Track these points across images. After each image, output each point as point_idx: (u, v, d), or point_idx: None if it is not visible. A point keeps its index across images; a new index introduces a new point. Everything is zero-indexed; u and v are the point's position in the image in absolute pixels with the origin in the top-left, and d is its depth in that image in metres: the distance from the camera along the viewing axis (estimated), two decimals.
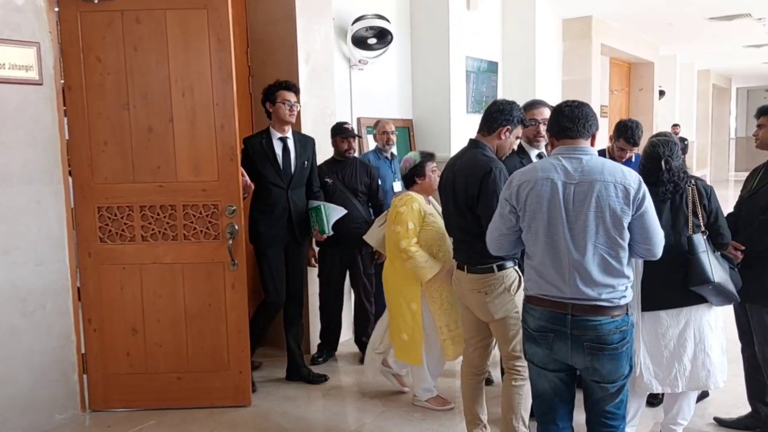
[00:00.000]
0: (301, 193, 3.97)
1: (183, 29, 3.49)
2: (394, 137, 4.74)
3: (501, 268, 2.78)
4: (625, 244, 2.20)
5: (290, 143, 3.89)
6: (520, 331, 2.71)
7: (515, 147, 2.96)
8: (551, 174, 2.21)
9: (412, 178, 3.45)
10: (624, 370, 2.24)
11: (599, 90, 9.63)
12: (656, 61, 11.67)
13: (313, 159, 4.07)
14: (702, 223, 2.76)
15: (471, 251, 2.80)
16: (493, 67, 7.13)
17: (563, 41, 8.95)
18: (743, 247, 2.95)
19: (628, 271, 2.23)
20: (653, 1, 8.21)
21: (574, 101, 2.35)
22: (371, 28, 5.10)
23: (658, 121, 12.04)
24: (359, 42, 5.13)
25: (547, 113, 4.26)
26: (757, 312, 2.98)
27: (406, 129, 6.04)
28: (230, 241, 3.57)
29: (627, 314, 2.24)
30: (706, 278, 2.64)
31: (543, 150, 3.30)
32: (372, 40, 5.15)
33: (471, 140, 2.89)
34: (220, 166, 3.57)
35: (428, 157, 3.47)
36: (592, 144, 2.32)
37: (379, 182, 4.46)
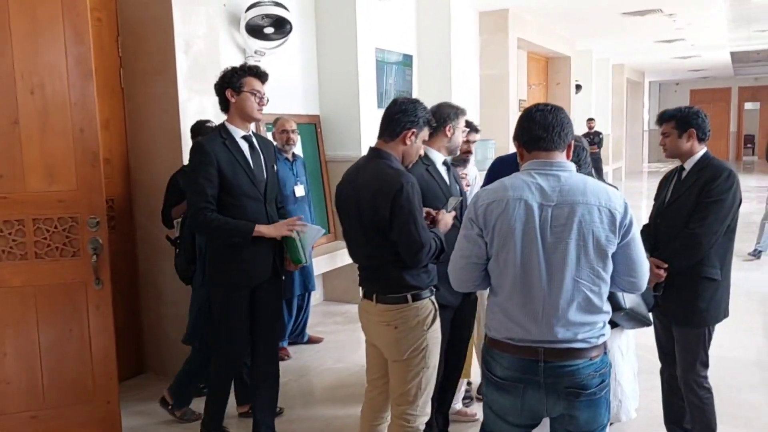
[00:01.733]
0: (274, 209, 3.09)
1: (29, 17, 2.95)
2: (295, 136, 4.30)
3: (416, 298, 2.41)
4: (608, 277, 1.89)
5: (255, 143, 3.02)
6: (422, 373, 2.41)
7: (421, 152, 2.57)
8: (525, 194, 1.87)
9: None
10: (603, 419, 1.92)
11: (517, 84, 9.51)
12: (573, 55, 11.70)
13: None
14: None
15: (382, 279, 2.42)
16: (407, 60, 6.80)
17: (480, 35, 8.74)
18: (666, 265, 2.69)
19: (607, 306, 1.93)
20: None
21: (546, 105, 1.98)
22: (267, 16, 4.64)
23: (575, 115, 12.11)
24: (255, 31, 4.66)
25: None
26: (682, 335, 2.75)
27: (313, 125, 5.61)
28: (94, 258, 3.07)
29: (605, 353, 1.93)
30: (617, 304, 2.37)
31: (448, 158, 2.94)
32: (269, 30, 4.69)
33: (372, 149, 2.47)
34: (79, 174, 3.06)
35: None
36: (568, 156, 1.97)
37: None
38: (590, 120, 12.67)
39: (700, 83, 22.91)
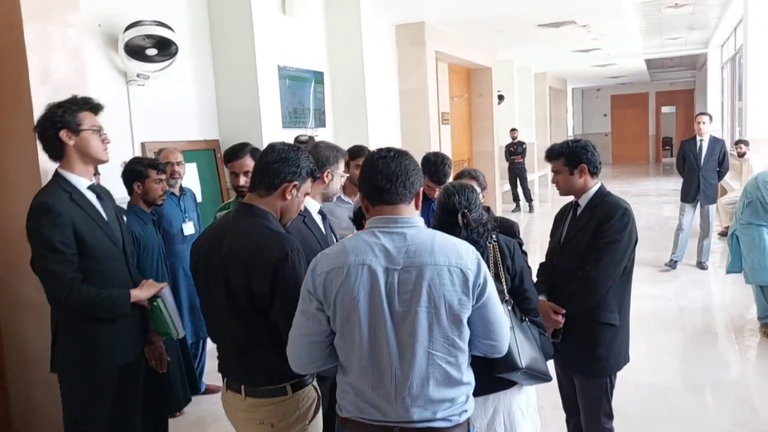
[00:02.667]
0: (135, 268, 2.68)
1: None
2: (180, 168, 3.93)
3: (297, 387, 2.03)
4: (466, 345, 1.69)
5: (100, 192, 2.53)
6: None
7: (302, 207, 2.19)
8: (368, 257, 1.66)
9: (359, 219, 2.72)
10: None
11: (437, 97, 9.37)
12: (494, 66, 11.70)
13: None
14: (506, 289, 2.27)
15: (254, 367, 2.00)
16: (318, 77, 6.51)
17: (397, 48, 8.55)
18: (563, 310, 2.49)
19: (468, 376, 1.73)
20: (482, 9, 8.02)
21: (390, 150, 1.77)
22: (149, 36, 4.26)
23: (498, 126, 12.12)
24: (135, 53, 4.27)
25: None
26: (583, 385, 2.56)
27: (212, 151, 5.25)
28: None
29: (469, 431, 1.75)
30: (513, 364, 2.15)
31: (323, 205, 2.65)
32: (151, 51, 4.31)
33: (243, 205, 2.05)
34: None
35: None
36: (417, 205, 1.77)
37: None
38: (513, 130, 12.72)
39: (619, 89, 23.61)
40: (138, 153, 4.45)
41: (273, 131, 5.30)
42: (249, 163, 3.18)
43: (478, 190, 2.82)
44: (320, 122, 6.54)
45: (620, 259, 2.48)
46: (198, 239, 2.20)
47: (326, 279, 1.67)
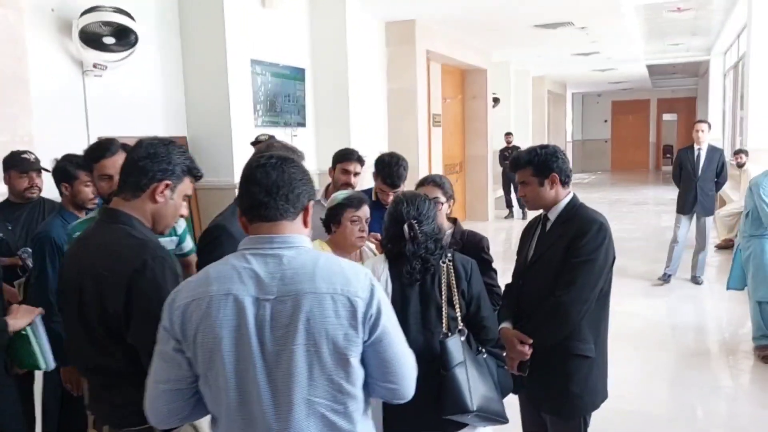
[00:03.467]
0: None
1: None
2: None
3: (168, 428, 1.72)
4: (357, 390, 1.40)
5: None
6: None
7: (184, 212, 1.84)
8: (234, 286, 1.37)
9: (327, 223, 2.54)
10: None
11: (427, 98, 9.08)
12: (489, 67, 11.41)
13: None
14: (460, 316, 1.97)
15: (115, 402, 1.72)
16: (298, 74, 6.21)
17: (387, 47, 8.26)
18: (531, 340, 2.18)
19: (365, 427, 1.44)
20: (476, 7, 7.74)
21: (271, 157, 1.48)
22: (106, 23, 3.96)
23: (492, 130, 11.83)
24: (92, 41, 3.96)
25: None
26: (554, 424, 2.26)
27: None
28: None
29: None
30: (463, 406, 1.85)
31: None
32: (109, 39, 4.00)
33: (105, 210, 1.80)
34: None
35: (353, 201, 2.50)
36: (305, 222, 1.49)
37: None
38: (508, 134, 12.38)
39: (620, 95, 23.33)
40: None
41: (244, 129, 5.00)
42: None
43: (442, 199, 2.52)
44: (300, 121, 6.24)
45: (595, 282, 2.18)
46: (65, 253, 1.91)
47: (184, 313, 1.38)
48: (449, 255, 2.02)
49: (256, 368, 1.33)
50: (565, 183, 2.29)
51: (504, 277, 2.65)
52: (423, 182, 2.62)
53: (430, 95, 9.37)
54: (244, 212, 1.46)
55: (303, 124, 6.29)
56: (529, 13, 8.27)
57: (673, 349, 4.97)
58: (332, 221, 2.49)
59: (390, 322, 1.44)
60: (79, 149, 4.08)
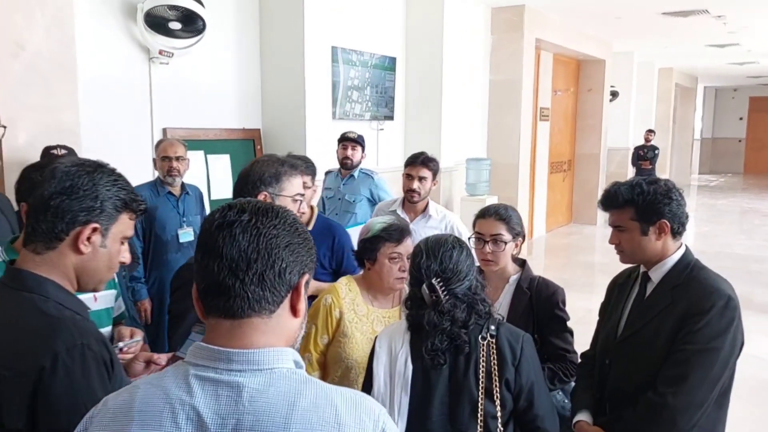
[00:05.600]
0: None
1: None
2: (180, 165, 3.33)
3: None
4: None
5: None
6: None
7: (125, 258, 1.36)
8: (164, 427, 0.90)
9: (360, 257, 2.12)
10: None
11: (535, 90, 8.35)
12: (608, 58, 10.41)
13: None
14: (500, 414, 1.45)
15: None
16: (388, 63, 5.76)
17: (492, 34, 7.62)
18: None
19: None
20: None
21: (243, 209, 0.97)
22: (173, 8, 3.69)
23: (609, 125, 10.84)
24: (157, 25, 3.72)
25: None
26: None
27: (251, 141, 4.66)
28: None
29: None
30: None
31: None
32: (174, 25, 3.74)
33: (10, 270, 1.27)
34: None
35: (393, 234, 2.04)
36: (295, 311, 0.98)
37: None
38: (649, 132, 11.20)
39: (760, 90, 20.97)
40: (159, 138, 3.92)
41: (320, 124, 4.63)
42: None
43: (507, 237, 1.99)
44: (387, 114, 5.80)
45: (716, 379, 1.59)
46: None
47: None
48: (492, 328, 1.50)
49: None
50: (677, 233, 1.69)
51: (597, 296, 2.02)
52: (483, 214, 2.09)
53: (538, 87, 8.64)
54: (199, 295, 0.98)
55: (391, 117, 5.85)
56: (656, 0, 7.33)
57: None
58: (367, 256, 2.04)
59: None
60: (143, 139, 3.89)
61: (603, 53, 10.16)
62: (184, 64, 4.05)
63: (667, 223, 1.66)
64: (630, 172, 12.10)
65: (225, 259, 0.93)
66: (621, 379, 1.68)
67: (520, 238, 2.06)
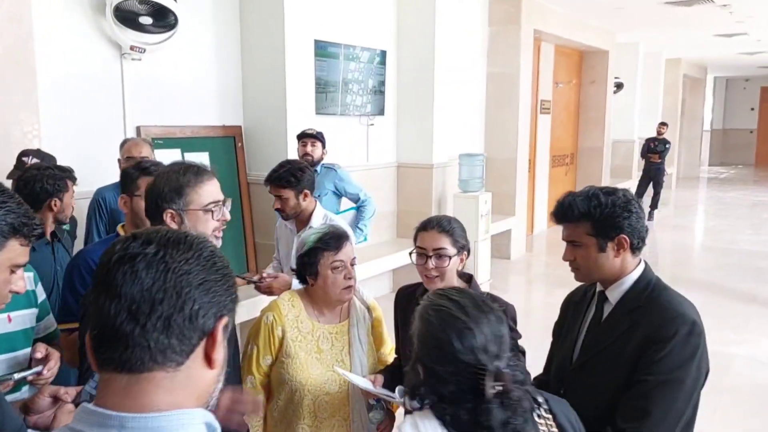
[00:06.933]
0: None
1: None
2: None
3: None
4: None
5: None
6: None
7: (18, 287, 1.27)
8: None
9: (301, 274, 1.99)
10: None
11: (535, 83, 8.17)
12: (612, 49, 10.19)
13: None
14: None
15: None
16: (378, 57, 5.61)
17: (489, 26, 7.43)
18: None
19: None
20: None
21: (149, 239, 0.81)
22: (144, 2, 3.57)
23: (613, 118, 10.62)
24: (127, 20, 3.60)
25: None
26: None
27: (231, 139, 4.53)
28: None
29: None
30: None
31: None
32: (145, 20, 3.61)
33: None
34: None
35: (330, 242, 1.92)
36: (210, 362, 0.83)
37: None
38: (662, 124, 10.83)
39: None
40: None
41: (302, 119, 4.49)
42: None
43: (451, 251, 1.85)
44: (377, 110, 5.66)
45: (680, 413, 1.45)
46: None
47: None
48: (540, 400, 1.24)
49: None
50: (637, 248, 1.54)
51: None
52: (424, 227, 1.91)
53: (538, 79, 8.45)
54: (92, 343, 0.81)
55: (381, 113, 5.70)
56: None
57: None
58: (307, 272, 1.91)
59: None
60: (116, 139, 3.77)
61: (606, 44, 9.94)
62: (158, 59, 3.93)
63: (627, 238, 1.52)
64: (636, 165, 11.86)
65: (124, 300, 0.77)
66: (577, 410, 1.54)
67: (465, 252, 1.91)
